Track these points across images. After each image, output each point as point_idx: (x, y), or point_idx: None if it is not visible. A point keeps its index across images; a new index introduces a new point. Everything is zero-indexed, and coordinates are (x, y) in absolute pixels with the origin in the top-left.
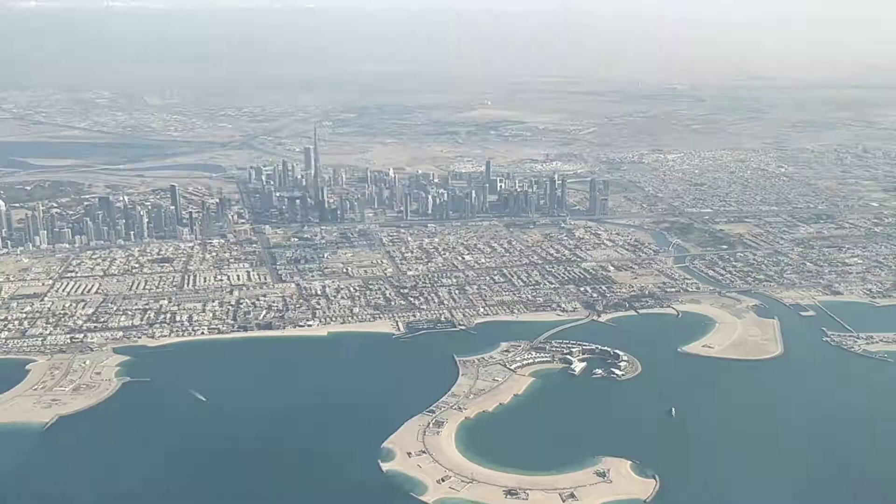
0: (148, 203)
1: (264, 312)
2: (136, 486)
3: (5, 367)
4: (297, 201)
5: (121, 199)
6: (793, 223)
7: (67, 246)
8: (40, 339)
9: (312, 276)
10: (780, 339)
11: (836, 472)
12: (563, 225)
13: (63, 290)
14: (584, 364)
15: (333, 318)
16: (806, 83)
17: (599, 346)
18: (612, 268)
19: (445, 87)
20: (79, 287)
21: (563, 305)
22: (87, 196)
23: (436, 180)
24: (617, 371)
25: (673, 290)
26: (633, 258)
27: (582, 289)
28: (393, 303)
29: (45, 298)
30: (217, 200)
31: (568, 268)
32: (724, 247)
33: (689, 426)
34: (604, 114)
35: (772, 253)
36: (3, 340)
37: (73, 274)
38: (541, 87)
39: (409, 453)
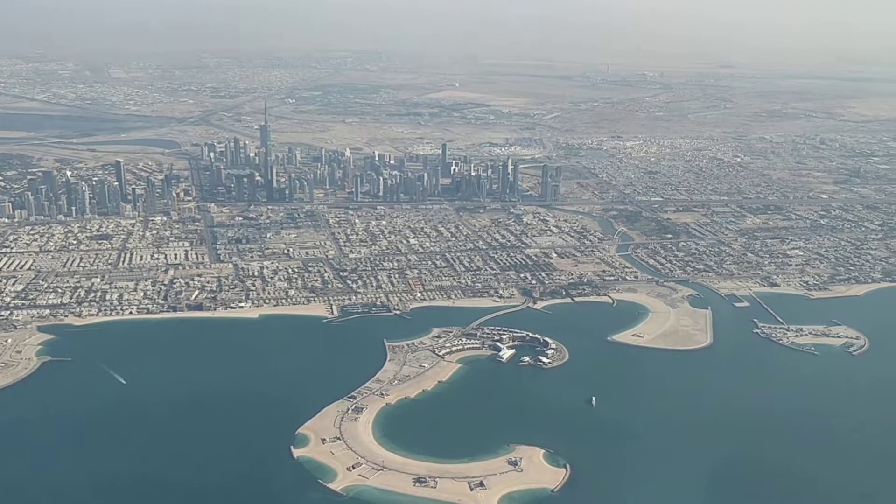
0: (94, 179)
1: (196, 293)
2: (37, 468)
3: None
4: (245, 179)
5: (65, 173)
6: (741, 213)
7: (6, 220)
8: None
9: (252, 257)
10: (710, 330)
11: (738, 467)
12: (512, 210)
13: None
14: (512, 351)
15: (267, 301)
16: (774, 74)
17: (530, 334)
18: (554, 255)
19: (415, 67)
20: (11, 263)
21: (500, 292)
22: (35, 170)
23: (392, 161)
24: (544, 359)
25: (612, 278)
26: (578, 245)
27: (522, 275)
28: (330, 286)
29: None
30: (163, 177)
31: (511, 254)
32: (669, 236)
33: (608, 416)
34: (570, 98)
35: (715, 243)
36: None
37: (8, 249)
38: (511, 70)
39: (323, 440)
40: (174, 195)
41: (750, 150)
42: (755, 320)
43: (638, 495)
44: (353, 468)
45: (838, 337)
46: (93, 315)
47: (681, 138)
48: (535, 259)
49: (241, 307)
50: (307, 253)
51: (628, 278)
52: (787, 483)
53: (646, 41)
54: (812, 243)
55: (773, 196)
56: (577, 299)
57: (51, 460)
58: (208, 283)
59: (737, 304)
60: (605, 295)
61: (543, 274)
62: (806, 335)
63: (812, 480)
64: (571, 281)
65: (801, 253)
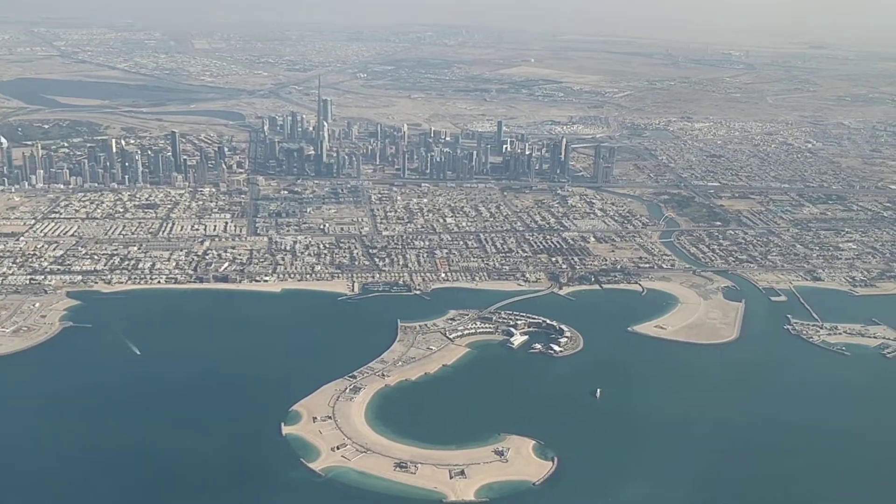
0: (153, 148)
1: (225, 265)
2: (35, 433)
3: None
4: (295, 153)
5: (120, 142)
6: (799, 202)
7: (62, 187)
8: (0, 278)
9: (287, 231)
10: (738, 324)
11: (733, 474)
12: (558, 191)
13: (41, 231)
14: (524, 338)
15: (292, 275)
16: (868, 55)
17: (546, 320)
18: (592, 239)
19: (494, 43)
20: (57, 229)
21: (527, 275)
22: (101, 137)
23: (447, 138)
24: (555, 347)
25: (647, 265)
26: (619, 230)
27: (553, 259)
28: (357, 263)
29: (21, 238)
30: (216, 148)
31: (547, 237)
32: (718, 223)
33: (610, 409)
34: (646, 77)
35: (764, 233)
36: None
37: (57, 215)
38: (590, 46)
39: (314, 418)
40: (224, 167)
41: (824, 136)
42: (789, 316)
43: (621, 494)
44: (337, 449)
45: (874, 337)
46: (122, 283)
47: (754, 121)
48: (571, 243)
49: (266, 281)
50: (342, 229)
51: (664, 266)
52: (784, 493)
53: (737, 17)
54: (869, 236)
55: (838, 185)
56: (605, 286)
57: (41, 427)
58: (240, 255)
59: (773, 298)
60: (636, 283)
61: (576, 259)
62: (840, 334)
63: (808, 495)
64: (604, 267)
65: (855, 246)
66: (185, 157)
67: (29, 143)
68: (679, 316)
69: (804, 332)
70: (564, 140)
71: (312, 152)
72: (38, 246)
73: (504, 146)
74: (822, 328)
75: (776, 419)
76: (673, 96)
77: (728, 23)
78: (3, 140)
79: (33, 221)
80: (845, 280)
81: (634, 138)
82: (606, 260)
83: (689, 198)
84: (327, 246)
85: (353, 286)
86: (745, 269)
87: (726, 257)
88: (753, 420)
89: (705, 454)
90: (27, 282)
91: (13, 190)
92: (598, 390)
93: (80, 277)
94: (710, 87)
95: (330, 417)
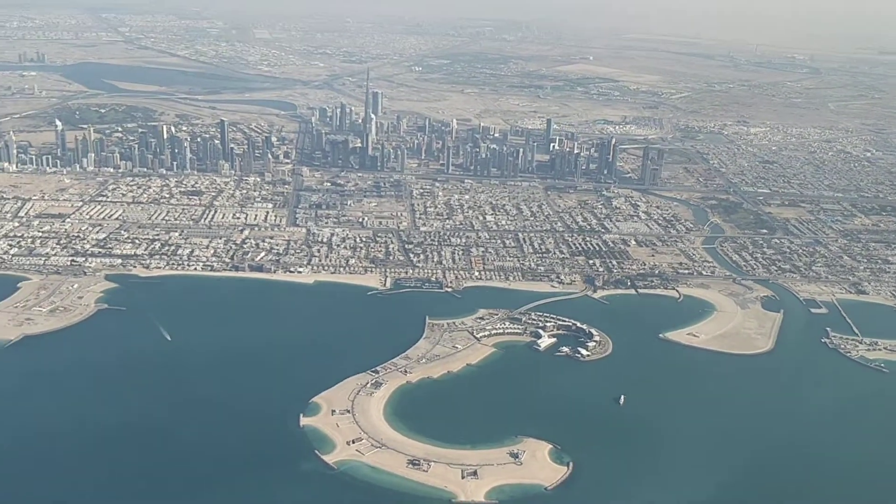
0: (203, 136)
1: (262, 254)
2: (54, 413)
3: (0, 282)
4: (340, 145)
5: (170, 129)
6: (851, 213)
7: (112, 170)
8: (43, 258)
9: (326, 223)
10: (774, 335)
11: (751, 488)
12: (604, 192)
13: (87, 214)
14: (552, 340)
15: (326, 267)
16: None
17: (576, 323)
18: (633, 242)
19: (553, 39)
20: (103, 212)
21: (561, 277)
22: (154, 123)
23: (495, 134)
24: (582, 351)
25: (686, 271)
26: (662, 234)
27: (591, 261)
28: (392, 258)
29: (67, 220)
30: (263, 138)
31: (587, 238)
32: (764, 231)
33: (633, 417)
34: (706, 78)
35: (811, 242)
36: (10, 256)
37: (104, 198)
38: (652, 46)
39: (333, 411)
40: (270, 156)
41: (885, 145)
42: (827, 329)
43: (636, 502)
44: (353, 443)
45: None
46: (159, 268)
47: (812, 127)
48: (611, 246)
49: (300, 272)
50: (381, 223)
51: (704, 273)
52: None
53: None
54: None
55: (895, 196)
56: (641, 291)
57: (64, 406)
58: (277, 245)
59: (813, 310)
60: (673, 289)
61: (614, 262)
62: (879, 349)
63: None
64: (641, 271)
65: None
66: (232, 145)
67: (84, 126)
68: (714, 324)
69: (842, 346)
70: (613, 140)
71: (359, 145)
72: (83, 228)
73: (552, 144)
74: (861, 343)
75: (801, 436)
76: (731, 99)
77: (796, 26)
78: (58, 122)
79: (80, 204)
80: (891, 294)
81: (687, 141)
82: (645, 264)
83: (736, 204)
84: (364, 239)
85: (385, 281)
86: (787, 279)
87: (769, 266)
88: (777, 436)
89: (724, 469)
90: (68, 263)
91: (65, 172)
92: (623, 397)
93: (119, 261)
94: (771, 91)
95: (348, 411)
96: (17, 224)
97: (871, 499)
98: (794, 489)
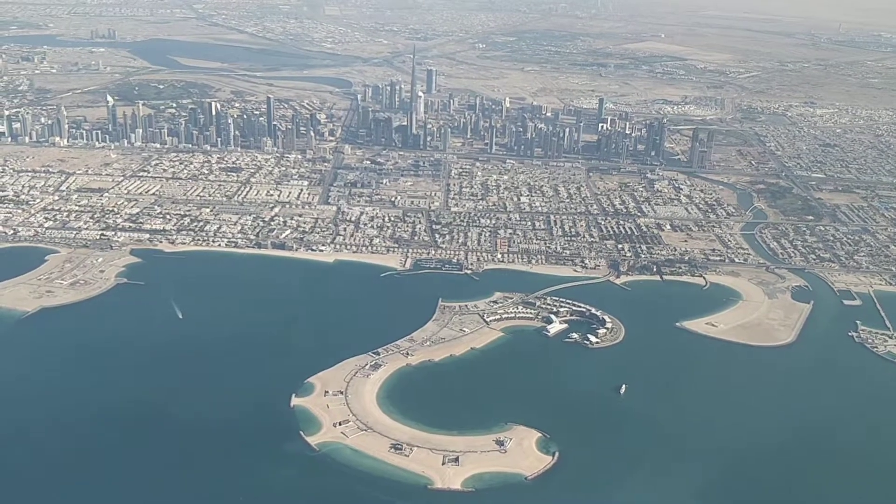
0: (247, 113)
1: (287, 232)
2: (58, 386)
3: (30, 254)
4: (382, 123)
5: (215, 105)
6: None
7: (158, 146)
8: (74, 232)
9: (358, 202)
10: (798, 327)
11: (745, 488)
12: (648, 175)
13: (125, 189)
14: (563, 326)
15: (349, 247)
16: None
17: (591, 309)
18: (668, 227)
19: (627, 16)
20: (141, 187)
21: (586, 261)
22: (206, 100)
23: (547, 114)
24: (592, 338)
25: (718, 258)
26: (700, 219)
27: (619, 246)
28: (417, 238)
29: (105, 194)
30: (309, 115)
31: (621, 222)
32: (810, 218)
33: (631, 407)
34: (779, 57)
35: (858, 230)
36: (44, 230)
37: (146, 174)
38: (729, 24)
39: (326, 392)
40: (313, 133)
41: None
42: (857, 322)
43: (616, 496)
44: (339, 425)
45: None
46: (184, 244)
47: (884, 109)
48: (644, 230)
49: (322, 251)
50: (412, 202)
51: (736, 260)
52: None
53: None
54: None
55: None
56: (666, 278)
57: (63, 380)
58: (304, 223)
59: (846, 302)
60: (700, 276)
61: (643, 247)
62: None
63: None
64: (670, 257)
65: None
66: (275, 123)
67: (142, 101)
68: (736, 314)
69: (869, 340)
70: (665, 120)
71: (404, 123)
72: (119, 203)
73: (602, 125)
74: (891, 338)
75: (810, 434)
76: (803, 79)
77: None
78: (110, 98)
79: (121, 178)
80: None
81: (746, 122)
82: (676, 250)
83: (786, 188)
84: (392, 219)
85: (405, 261)
86: (824, 268)
87: (807, 255)
88: (783, 432)
89: (718, 468)
90: (98, 237)
91: (112, 147)
92: (624, 386)
93: (147, 236)
94: (847, 71)
95: (342, 392)
96: (56, 198)
97: (871, 499)
98: (779, 490)
